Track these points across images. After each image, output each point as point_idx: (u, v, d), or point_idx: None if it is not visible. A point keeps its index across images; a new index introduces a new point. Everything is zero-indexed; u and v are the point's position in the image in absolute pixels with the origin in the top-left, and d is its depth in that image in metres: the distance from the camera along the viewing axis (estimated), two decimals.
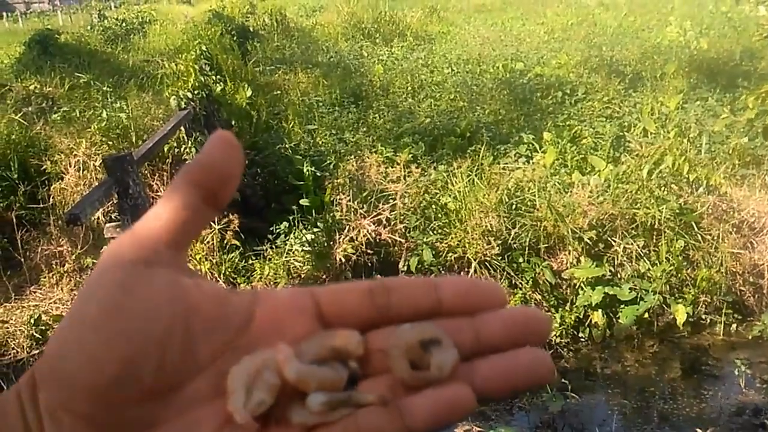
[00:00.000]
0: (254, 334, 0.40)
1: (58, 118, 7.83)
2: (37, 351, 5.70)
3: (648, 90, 8.95)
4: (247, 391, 0.37)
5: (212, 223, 6.44)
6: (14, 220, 6.65)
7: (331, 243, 5.76)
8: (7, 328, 5.86)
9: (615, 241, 5.48)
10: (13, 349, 5.72)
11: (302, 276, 5.91)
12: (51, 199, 7.02)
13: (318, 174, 6.70)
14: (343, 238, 5.71)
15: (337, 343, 0.39)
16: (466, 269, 5.58)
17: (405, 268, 5.60)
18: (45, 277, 6.53)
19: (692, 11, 14.14)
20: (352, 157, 6.71)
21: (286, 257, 6.03)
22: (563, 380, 5.01)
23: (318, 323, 0.40)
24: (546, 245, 5.56)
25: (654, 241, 5.51)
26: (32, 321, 5.76)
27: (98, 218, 6.66)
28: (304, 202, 6.34)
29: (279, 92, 9.78)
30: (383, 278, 0.42)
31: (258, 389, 0.37)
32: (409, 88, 9.83)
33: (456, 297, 0.40)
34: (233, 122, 7.36)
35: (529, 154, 6.64)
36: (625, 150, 6.34)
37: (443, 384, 0.38)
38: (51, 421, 0.36)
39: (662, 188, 5.63)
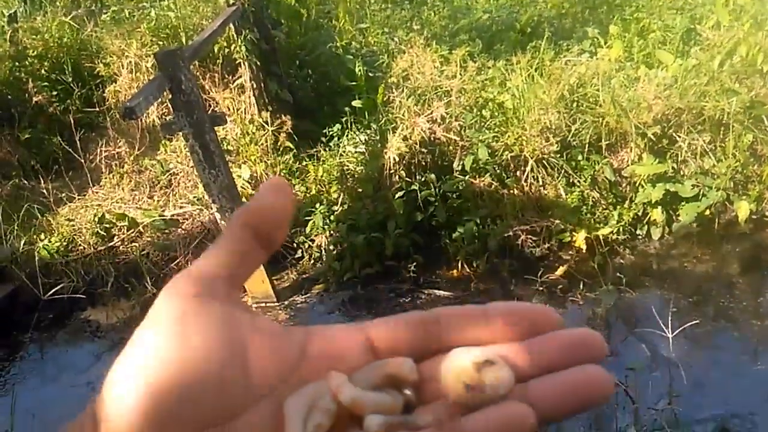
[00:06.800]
0: (308, 368, 0.41)
1: (108, 19, 7.80)
2: (102, 247, 5.90)
3: None
4: (304, 419, 0.38)
5: (266, 125, 6.43)
6: (72, 122, 6.76)
7: (385, 143, 5.69)
8: (74, 225, 6.06)
9: (680, 137, 5.28)
10: (80, 245, 5.94)
11: (356, 176, 5.89)
12: (106, 102, 7.09)
13: (371, 74, 6.56)
14: (397, 137, 5.63)
15: (390, 369, 0.40)
16: (522, 168, 5.48)
17: (459, 167, 5.52)
18: (105, 178, 6.70)
19: None
20: (406, 54, 6.51)
21: (339, 159, 6.01)
22: (618, 275, 4.98)
23: (371, 356, 0.42)
24: (607, 142, 5.40)
25: (721, 136, 5.30)
26: (96, 219, 5.95)
27: (153, 120, 6.72)
28: (356, 103, 6.23)
29: None
30: (434, 309, 0.43)
31: (314, 414, 0.38)
32: None
33: (508, 326, 0.41)
34: (282, 21, 7.20)
35: (593, 50, 6.34)
36: (696, 43, 6.00)
37: (500, 404, 0.38)
38: None
39: (733, 80, 5.35)
